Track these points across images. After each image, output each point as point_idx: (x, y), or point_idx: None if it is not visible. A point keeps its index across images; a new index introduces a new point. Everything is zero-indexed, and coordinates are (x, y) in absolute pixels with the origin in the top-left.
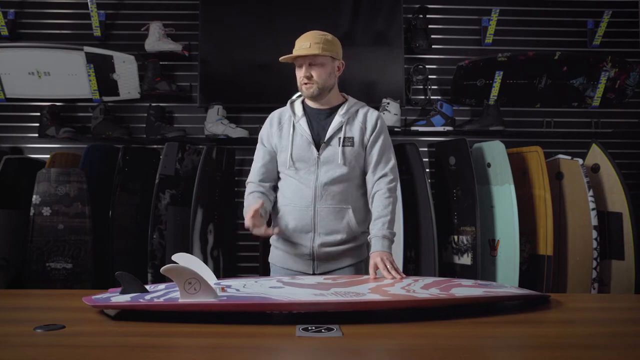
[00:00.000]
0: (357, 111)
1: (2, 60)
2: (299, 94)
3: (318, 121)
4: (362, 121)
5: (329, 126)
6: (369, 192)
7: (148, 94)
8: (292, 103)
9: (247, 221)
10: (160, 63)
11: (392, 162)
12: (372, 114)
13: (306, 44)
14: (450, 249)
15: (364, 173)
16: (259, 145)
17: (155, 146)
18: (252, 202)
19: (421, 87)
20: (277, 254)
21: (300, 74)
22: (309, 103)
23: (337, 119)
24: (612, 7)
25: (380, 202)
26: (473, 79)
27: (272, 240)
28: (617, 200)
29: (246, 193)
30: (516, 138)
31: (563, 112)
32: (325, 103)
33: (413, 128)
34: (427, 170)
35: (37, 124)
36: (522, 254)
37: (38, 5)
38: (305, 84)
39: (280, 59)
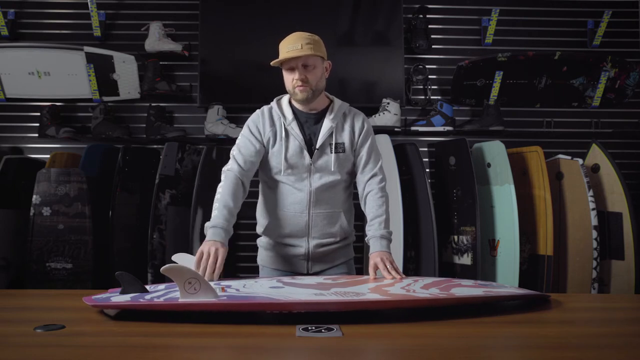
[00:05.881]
0: (344, 114)
1: (2, 60)
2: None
3: (309, 126)
4: (350, 125)
5: (319, 131)
6: (361, 193)
7: (148, 94)
8: (278, 102)
9: (204, 271)
10: (160, 63)
11: (380, 161)
12: (359, 117)
13: (296, 45)
14: (450, 249)
15: (351, 175)
16: (249, 136)
17: (155, 146)
18: (217, 249)
19: (421, 87)
20: (268, 256)
21: (293, 76)
22: (297, 106)
23: (326, 124)
24: (612, 7)
25: (375, 202)
26: (473, 79)
27: (261, 242)
28: (617, 200)
29: (219, 194)
30: (516, 138)
31: (563, 112)
32: (313, 106)
33: (413, 128)
34: (427, 170)
35: (37, 124)
36: (522, 254)
37: (38, 5)
38: (300, 86)
39: (272, 62)
